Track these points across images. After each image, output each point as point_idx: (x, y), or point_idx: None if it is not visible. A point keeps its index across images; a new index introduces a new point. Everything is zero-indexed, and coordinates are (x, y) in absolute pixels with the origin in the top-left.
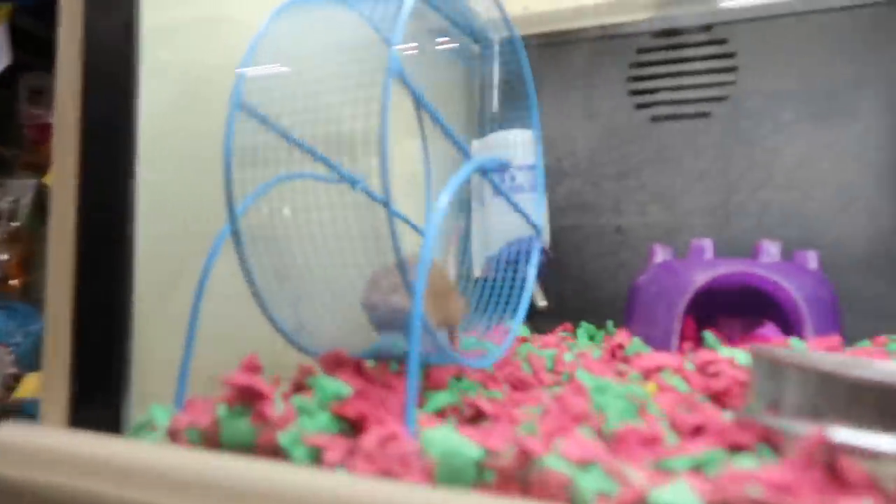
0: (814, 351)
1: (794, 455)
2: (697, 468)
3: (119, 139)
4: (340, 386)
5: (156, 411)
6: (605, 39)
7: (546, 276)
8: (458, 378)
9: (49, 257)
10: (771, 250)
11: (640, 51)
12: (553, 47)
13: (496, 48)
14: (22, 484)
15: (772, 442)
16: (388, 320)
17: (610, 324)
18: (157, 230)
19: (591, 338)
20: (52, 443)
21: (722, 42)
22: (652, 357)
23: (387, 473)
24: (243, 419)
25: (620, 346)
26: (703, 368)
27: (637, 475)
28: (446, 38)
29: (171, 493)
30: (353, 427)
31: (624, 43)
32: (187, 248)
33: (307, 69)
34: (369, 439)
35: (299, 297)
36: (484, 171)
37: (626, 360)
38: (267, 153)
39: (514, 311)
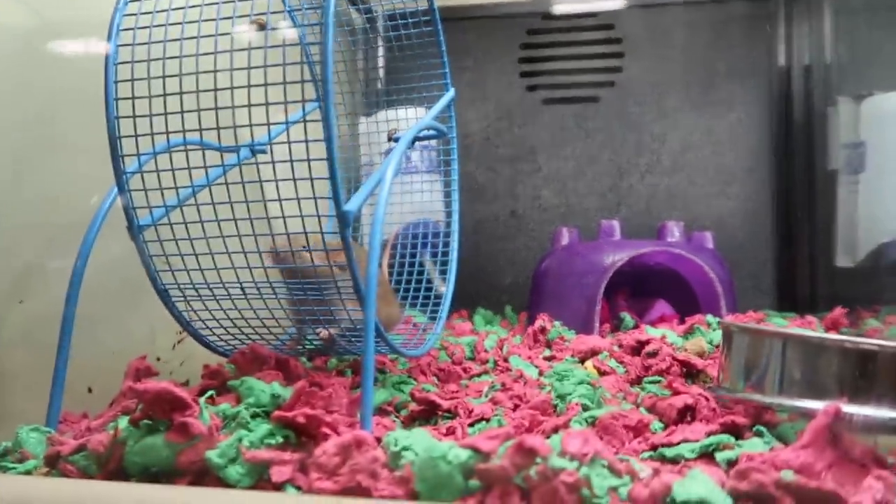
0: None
1: (808, 434)
2: (705, 454)
3: None
4: (276, 387)
5: (24, 434)
6: (495, 19)
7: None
8: (382, 372)
9: None
10: (675, 231)
11: (531, 32)
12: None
13: (380, 20)
14: None
15: (765, 421)
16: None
17: (508, 309)
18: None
19: (489, 323)
20: None
21: (608, 28)
22: (584, 340)
23: (353, 489)
24: (156, 436)
25: (542, 331)
26: (636, 349)
27: (644, 468)
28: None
29: None
30: (298, 436)
31: (514, 23)
32: (33, 240)
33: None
34: (327, 449)
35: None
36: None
37: (549, 344)
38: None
39: (417, 298)
